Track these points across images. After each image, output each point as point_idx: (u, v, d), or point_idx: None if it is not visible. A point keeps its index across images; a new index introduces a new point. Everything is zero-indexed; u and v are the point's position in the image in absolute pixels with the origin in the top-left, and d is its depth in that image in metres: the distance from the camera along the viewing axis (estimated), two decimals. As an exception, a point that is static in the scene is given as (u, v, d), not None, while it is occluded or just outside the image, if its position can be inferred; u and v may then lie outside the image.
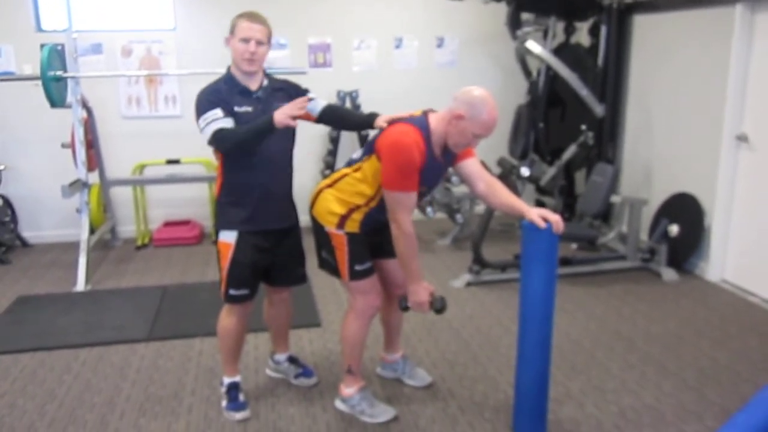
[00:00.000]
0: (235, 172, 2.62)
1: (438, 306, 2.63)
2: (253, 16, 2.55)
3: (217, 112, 2.48)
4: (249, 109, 2.57)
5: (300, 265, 2.90)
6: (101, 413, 2.88)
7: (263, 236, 2.69)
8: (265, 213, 2.68)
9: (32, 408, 2.93)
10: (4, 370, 3.30)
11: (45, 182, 5.48)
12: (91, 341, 3.60)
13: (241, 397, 2.88)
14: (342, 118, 2.91)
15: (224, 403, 2.87)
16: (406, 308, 2.68)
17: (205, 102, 2.51)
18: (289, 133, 2.68)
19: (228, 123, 2.49)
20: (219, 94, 2.54)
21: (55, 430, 2.75)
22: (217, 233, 2.72)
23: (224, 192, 2.68)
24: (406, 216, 2.46)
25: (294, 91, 2.72)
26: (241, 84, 2.59)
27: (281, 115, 2.40)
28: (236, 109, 2.54)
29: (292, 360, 3.14)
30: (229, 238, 2.67)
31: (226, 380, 2.90)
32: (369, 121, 2.69)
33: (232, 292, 2.71)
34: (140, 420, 2.82)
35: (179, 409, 2.90)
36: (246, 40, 2.52)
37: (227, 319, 2.82)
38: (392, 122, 2.52)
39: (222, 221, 2.70)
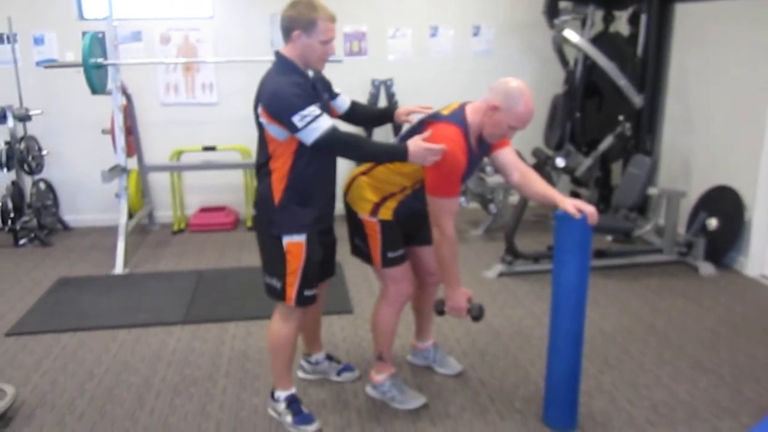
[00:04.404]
0: (307, 173, 2.40)
1: (475, 313, 2.61)
2: (332, 16, 2.35)
3: (315, 109, 2.26)
4: (319, 104, 2.35)
5: (334, 257, 2.80)
6: (138, 393, 2.95)
7: (323, 231, 2.56)
8: (330, 209, 2.58)
9: (72, 386, 3.02)
10: (46, 348, 3.41)
11: (85, 167, 5.61)
12: (128, 323, 3.69)
13: (305, 409, 2.68)
14: (362, 116, 2.81)
15: (289, 419, 2.63)
16: (441, 312, 2.66)
17: (297, 97, 2.26)
18: None
19: (331, 121, 2.31)
20: (305, 89, 2.32)
21: (94, 407, 2.84)
22: (279, 238, 2.45)
23: (289, 195, 2.41)
24: (450, 220, 2.45)
25: (325, 81, 2.63)
26: (308, 78, 2.41)
27: (420, 156, 2.31)
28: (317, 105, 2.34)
29: (330, 357, 3.08)
30: (299, 237, 2.44)
31: (283, 394, 2.67)
32: (388, 114, 2.69)
33: (307, 293, 2.50)
34: (175, 400, 2.89)
35: (213, 391, 2.96)
36: (328, 42, 2.35)
37: (285, 326, 2.58)
38: (430, 121, 2.47)
39: (289, 225, 2.43)
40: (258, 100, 2.37)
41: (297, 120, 2.23)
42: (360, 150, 2.41)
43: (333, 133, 2.28)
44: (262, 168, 2.46)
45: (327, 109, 2.49)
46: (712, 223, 4.49)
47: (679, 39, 5.04)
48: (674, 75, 5.11)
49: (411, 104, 2.64)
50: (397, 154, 2.35)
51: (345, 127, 2.51)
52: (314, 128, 2.25)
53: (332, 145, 2.31)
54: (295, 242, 2.44)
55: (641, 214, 5.15)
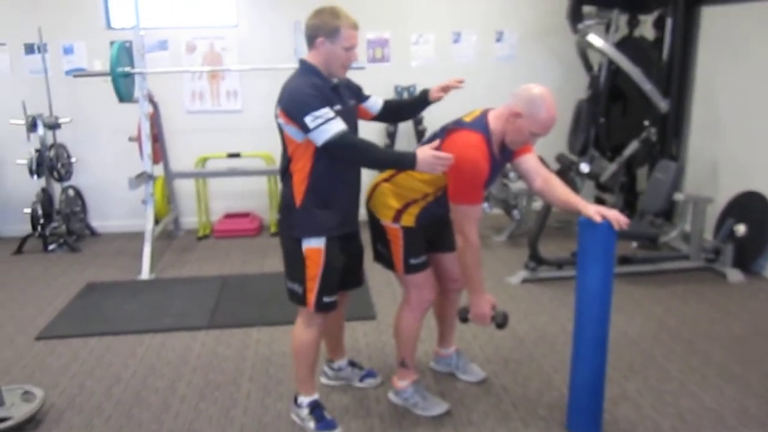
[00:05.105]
0: (327, 175, 2.43)
1: (500, 320, 2.61)
2: (355, 23, 2.41)
3: (329, 112, 2.29)
4: (339, 107, 2.40)
5: (361, 266, 2.80)
6: (164, 396, 2.99)
7: (346, 238, 2.57)
8: (352, 214, 2.58)
9: (100, 389, 3.07)
10: (74, 352, 3.46)
11: (113, 174, 5.69)
12: (154, 327, 3.74)
13: (328, 415, 2.70)
14: (398, 109, 2.87)
15: (312, 424, 2.65)
16: (466, 320, 2.66)
17: (311, 97, 2.30)
18: (354, 128, 2.59)
19: (343, 125, 2.32)
20: (321, 91, 2.35)
21: (121, 411, 2.88)
22: (298, 241, 2.48)
23: (310, 197, 2.44)
24: (473, 228, 2.45)
25: (353, 86, 2.67)
26: (329, 81, 2.44)
27: (428, 164, 2.30)
28: (334, 108, 2.37)
29: (353, 363, 3.09)
30: (318, 243, 2.47)
31: (306, 400, 2.69)
32: (422, 98, 2.75)
33: (326, 299, 2.52)
34: (200, 404, 2.92)
35: (237, 395, 2.99)
36: (351, 49, 2.40)
37: (307, 332, 2.60)
38: (453, 128, 2.47)
39: (309, 228, 2.46)
40: (278, 102, 2.42)
41: (309, 120, 2.28)
42: (368, 156, 2.40)
43: (343, 136, 2.30)
44: (285, 171, 2.50)
45: (352, 114, 2.53)
46: (741, 229, 4.42)
47: (705, 43, 4.98)
48: (700, 79, 5.05)
49: (436, 107, 2.65)
50: (405, 161, 2.35)
51: (381, 125, 2.52)
52: (325, 130, 2.28)
53: (341, 148, 2.33)
54: (313, 248, 2.47)
55: (667, 220, 5.08)
